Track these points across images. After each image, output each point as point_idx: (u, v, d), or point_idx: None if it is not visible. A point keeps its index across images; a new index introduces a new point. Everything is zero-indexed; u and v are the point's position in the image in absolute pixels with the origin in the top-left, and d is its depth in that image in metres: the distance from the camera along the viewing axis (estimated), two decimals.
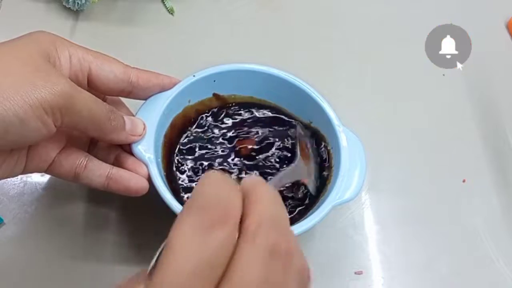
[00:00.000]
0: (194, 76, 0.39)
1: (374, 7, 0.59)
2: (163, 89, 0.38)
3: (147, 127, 0.36)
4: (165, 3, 0.54)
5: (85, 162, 0.34)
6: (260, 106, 0.43)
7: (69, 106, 0.28)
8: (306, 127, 0.42)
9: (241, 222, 0.22)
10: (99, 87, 0.34)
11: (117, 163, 0.35)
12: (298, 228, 0.34)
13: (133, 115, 0.37)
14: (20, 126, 0.27)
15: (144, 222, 0.40)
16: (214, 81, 0.40)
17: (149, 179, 0.34)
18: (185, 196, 0.38)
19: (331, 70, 0.53)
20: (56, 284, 0.37)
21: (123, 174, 0.34)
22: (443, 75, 0.54)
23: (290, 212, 0.39)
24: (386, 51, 0.55)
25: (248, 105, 0.43)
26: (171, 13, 0.54)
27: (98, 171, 0.34)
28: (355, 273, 0.41)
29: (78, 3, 0.49)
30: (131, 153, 0.35)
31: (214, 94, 0.42)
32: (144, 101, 0.37)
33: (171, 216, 0.33)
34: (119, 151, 0.36)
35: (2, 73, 0.27)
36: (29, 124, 0.27)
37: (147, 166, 0.34)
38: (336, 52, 0.54)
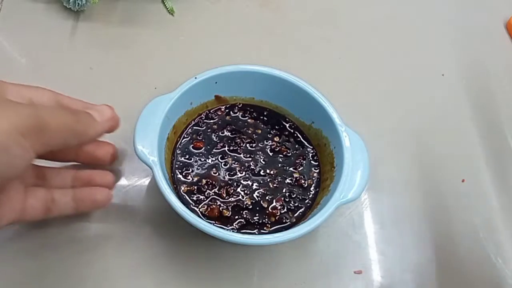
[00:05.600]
0: (195, 78, 0.39)
1: (374, 7, 0.59)
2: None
3: (113, 108, 0.35)
4: (165, 3, 0.54)
5: (50, 195, 0.34)
6: (260, 108, 0.44)
7: (38, 124, 0.27)
8: None
9: None
10: None
11: (78, 182, 0.36)
12: (304, 228, 0.34)
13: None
14: (4, 155, 0.26)
15: (150, 227, 0.40)
16: (216, 82, 0.41)
17: (154, 182, 0.34)
18: (189, 198, 0.38)
19: (330, 70, 0.53)
20: (56, 284, 0.37)
21: (85, 191, 0.35)
22: (443, 75, 0.55)
23: (293, 212, 0.39)
24: (385, 51, 0.56)
25: (248, 106, 0.44)
26: (171, 14, 0.54)
27: (64, 198, 0.34)
28: (355, 272, 0.41)
29: (78, 3, 0.49)
30: (84, 167, 0.36)
31: (216, 96, 0.42)
32: (146, 104, 0.37)
33: (178, 221, 0.33)
34: (74, 171, 0.36)
35: None
36: (11, 151, 0.26)
37: (151, 169, 0.34)
38: (336, 52, 0.54)
